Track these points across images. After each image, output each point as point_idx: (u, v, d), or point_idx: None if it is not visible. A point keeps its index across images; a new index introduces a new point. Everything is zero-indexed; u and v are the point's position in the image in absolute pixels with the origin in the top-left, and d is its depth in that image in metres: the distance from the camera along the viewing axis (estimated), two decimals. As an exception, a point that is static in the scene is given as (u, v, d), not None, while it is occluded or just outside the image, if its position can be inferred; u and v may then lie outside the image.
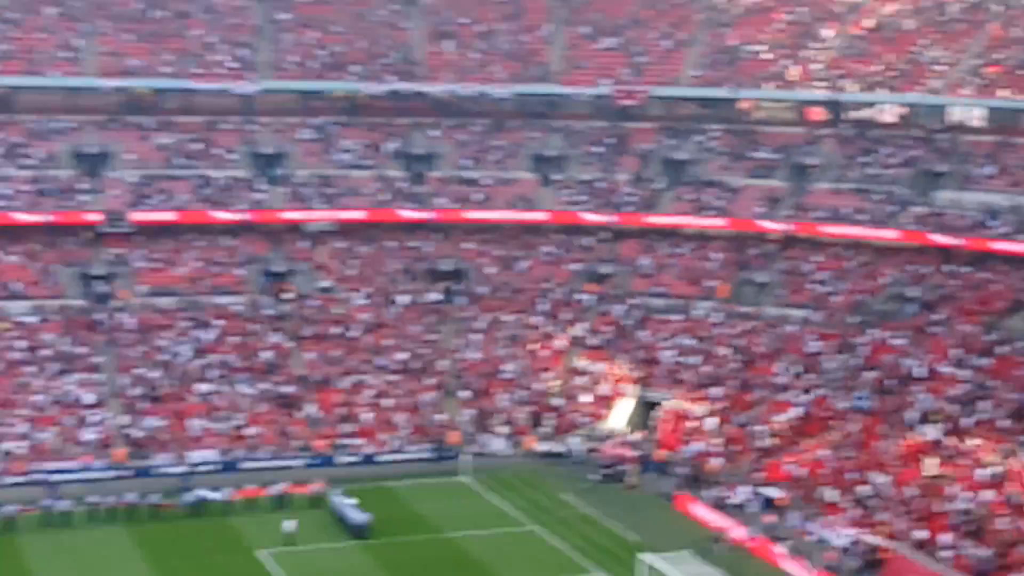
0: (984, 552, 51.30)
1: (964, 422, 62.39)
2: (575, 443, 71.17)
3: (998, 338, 68.98)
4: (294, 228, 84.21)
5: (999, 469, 56.95)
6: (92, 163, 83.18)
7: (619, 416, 73.39)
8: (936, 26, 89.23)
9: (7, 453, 66.65)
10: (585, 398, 74.80)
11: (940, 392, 65.64)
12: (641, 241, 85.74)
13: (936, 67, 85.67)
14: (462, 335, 79.65)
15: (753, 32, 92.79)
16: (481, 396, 75.06)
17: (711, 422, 69.69)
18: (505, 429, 72.83)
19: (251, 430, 70.68)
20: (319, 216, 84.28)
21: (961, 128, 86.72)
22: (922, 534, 53.82)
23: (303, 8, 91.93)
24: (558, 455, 70.60)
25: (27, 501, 61.28)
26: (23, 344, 74.03)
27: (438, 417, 73.09)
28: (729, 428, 68.79)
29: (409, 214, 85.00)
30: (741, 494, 61.63)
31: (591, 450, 70.24)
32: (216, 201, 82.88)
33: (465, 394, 75.23)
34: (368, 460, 69.74)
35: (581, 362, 77.30)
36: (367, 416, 72.71)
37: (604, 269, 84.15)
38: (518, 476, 68.18)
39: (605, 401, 74.42)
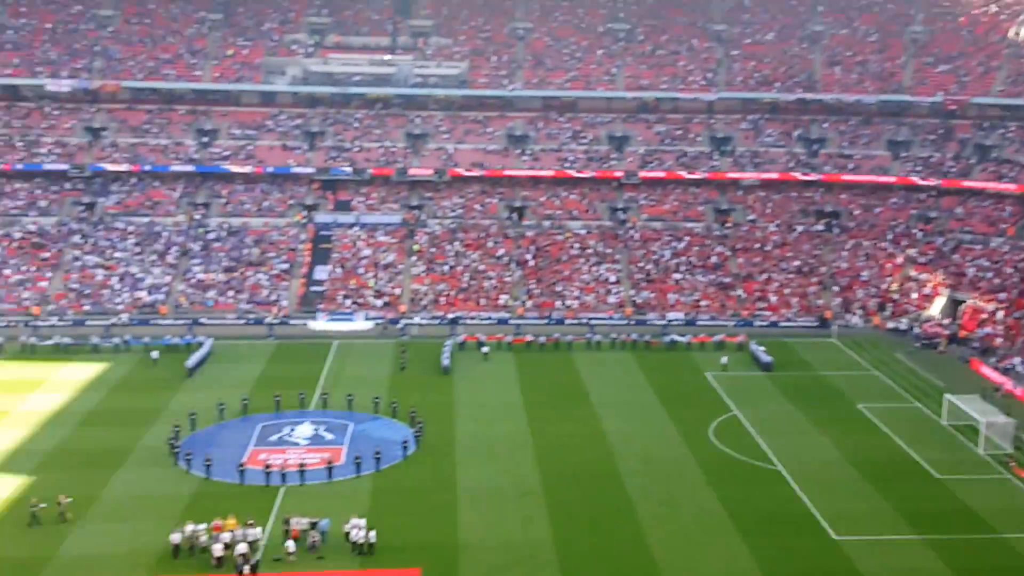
0: None
1: None
2: (906, 323, 70.14)
3: None
4: (734, 183, 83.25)
5: None
6: (619, 142, 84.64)
7: (936, 307, 71.56)
8: None
9: (568, 306, 71.63)
10: (914, 295, 73.08)
11: None
12: (957, 197, 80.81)
13: None
14: (836, 252, 78.31)
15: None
16: (846, 290, 74.70)
17: (998, 315, 67.18)
18: (860, 311, 72.44)
19: (703, 302, 72.57)
20: (750, 175, 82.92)
21: None
22: None
23: (746, 47, 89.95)
24: (894, 330, 69.95)
25: (576, 334, 66.62)
26: (577, 246, 77.72)
27: (818, 302, 73.05)
28: (1009, 319, 66.23)
29: (805, 176, 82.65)
30: (1014, 362, 59.99)
31: (916, 328, 68.88)
32: (688, 165, 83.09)
33: (835, 288, 74.58)
34: (773, 324, 70.72)
35: (912, 272, 75.12)
36: (773, 298, 73.39)
37: (931, 214, 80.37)
38: (867, 340, 67.91)
39: (927, 298, 72.49)
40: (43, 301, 70.00)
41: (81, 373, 58.05)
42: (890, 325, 70.24)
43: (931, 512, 41.08)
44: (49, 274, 72.53)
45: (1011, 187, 77.96)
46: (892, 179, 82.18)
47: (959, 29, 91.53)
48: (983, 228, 77.59)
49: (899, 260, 76.37)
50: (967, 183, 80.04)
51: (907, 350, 65.31)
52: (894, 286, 74.10)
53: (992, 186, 79.25)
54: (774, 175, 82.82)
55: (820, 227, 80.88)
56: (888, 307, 72.27)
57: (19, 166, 78.88)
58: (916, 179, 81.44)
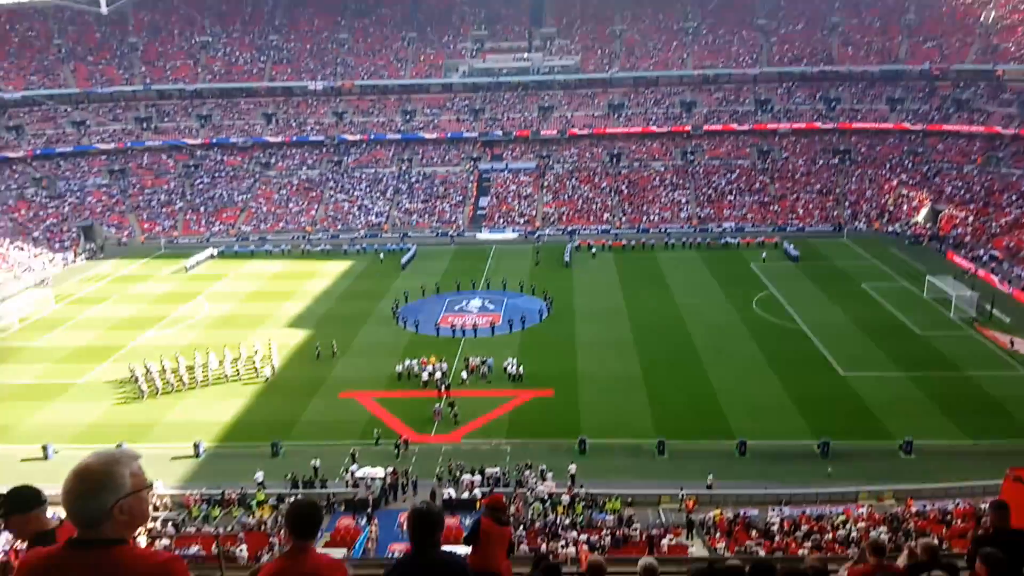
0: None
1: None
2: (898, 227, 65.03)
3: None
4: (773, 132, 77.24)
5: None
6: (688, 106, 79.59)
7: (921, 215, 65.66)
8: None
9: (651, 219, 68.95)
10: (904, 207, 67.21)
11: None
12: (938, 138, 72.37)
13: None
14: (847, 178, 72.37)
15: (1005, 38, 74.94)
16: (854, 205, 69.28)
17: (968, 220, 61.41)
18: (864, 220, 67.39)
19: (749, 215, 68.64)
20: (784, 126, 76.88)
21: None
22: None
23: (781, 36, 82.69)
24: (890, 232, 64.81)
25: (657, 239, 64.16)
26: (658, 179, 74.05)
27: (834, 213, 68.30)
28: (976, 223, 60.45)
29: (825, 125, 75.94)
30: (979, 253, 55.09)
31: (907, 230, 63.66)
32: (739, 120, 77.54)
33: (847, 203, 69.25)
34: (800, 230, 66.64)
35: (904, 191, 68.93)
36: (800, 211, 68.86)
37: (919, 150, 72.56)
38: (869, 240, 63.25)
39: (914, 209, 66.55)
40: (313, 223, 72.14)
41: (337, 267, 59.88)
42: (888, 229, 65.13)
43: (913, 357, 38.63)
44: (316, 206, 74.56)
45: (980, 128, 70.01)
46: (890, 125, 74.88)
47: (942, 15, 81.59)
48: (958, 159, 70.12)
49: (894, 183, 70.10)
50: (946, 127, 72.23)
51: (899, 246, 60.69)
52: (890, 201, 68.39)
53: (965, 128, 71.28)
54: (802, 125, 76.66)
55: (836, 161, 74.73)
56: (885, 215, 66.91)
57: (295, 138, 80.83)
58: (907, 125, 74.11)
